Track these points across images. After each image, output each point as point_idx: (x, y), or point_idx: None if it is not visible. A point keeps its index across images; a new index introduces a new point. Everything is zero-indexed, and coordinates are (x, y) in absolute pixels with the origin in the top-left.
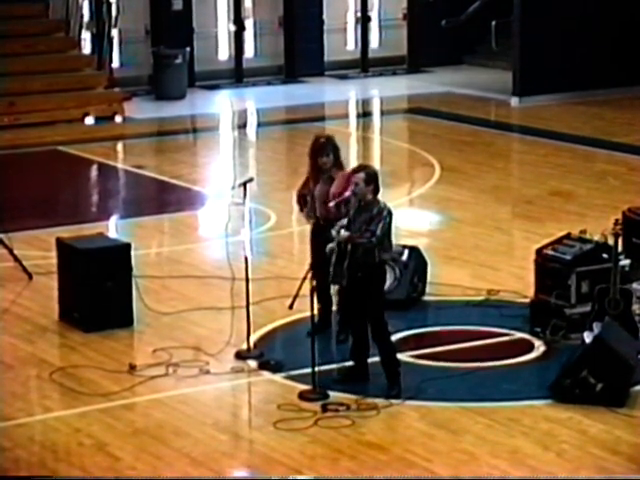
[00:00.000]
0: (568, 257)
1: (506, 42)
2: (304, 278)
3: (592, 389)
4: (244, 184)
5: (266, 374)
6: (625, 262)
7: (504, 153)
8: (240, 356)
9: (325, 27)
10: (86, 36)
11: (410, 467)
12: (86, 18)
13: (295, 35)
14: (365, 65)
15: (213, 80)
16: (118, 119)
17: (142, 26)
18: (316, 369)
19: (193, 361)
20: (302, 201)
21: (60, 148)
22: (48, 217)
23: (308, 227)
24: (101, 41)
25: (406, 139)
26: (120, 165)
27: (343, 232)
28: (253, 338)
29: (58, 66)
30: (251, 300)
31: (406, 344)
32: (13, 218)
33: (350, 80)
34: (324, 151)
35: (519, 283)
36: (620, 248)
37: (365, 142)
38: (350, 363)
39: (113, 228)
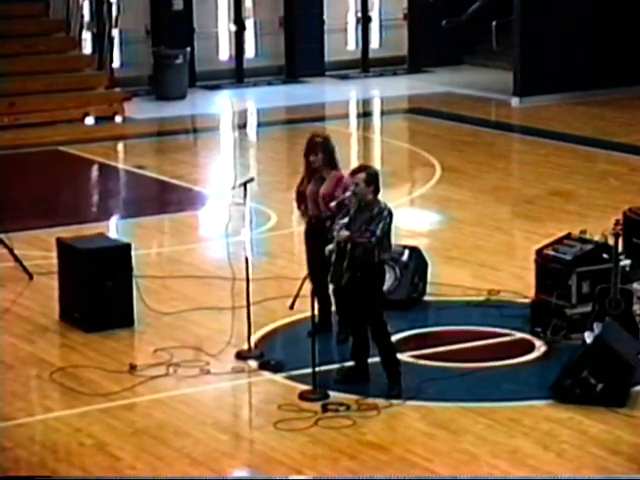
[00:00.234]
0: (569, 257)
1: (506, 42)
2: (304, 278)
3: (593, 389)
4: (244, 184)
5: (266, 374)
6: (626, 262)
7: (504, 153)
8: (241, 356)
9: (326, 27)
10: (86, 36)
11: (410, 467)
12: (86, 18)
13: (296, 35)
14: (366, 65)
15: (214, 80)
16: (118, 119)
17: (142, 26)
18: (316, 369)
19: (194, 361)
20: (299, 199)
21: (60, 148)
22: (48, 217)
23: None
24: (101, 41)
25: (407, 139)
26: (121, 165)
27: (343, 231)
28: (254, 338)
29: (58, 66)
30: (252, 300)
31: (407, 344)
32: (14, 218)
33: (351, 80)
34: (313, 150)
35: (520, 283)
36: (620, 248)
37: (366, 142)
38: (351, 363)
39: (113, 228)
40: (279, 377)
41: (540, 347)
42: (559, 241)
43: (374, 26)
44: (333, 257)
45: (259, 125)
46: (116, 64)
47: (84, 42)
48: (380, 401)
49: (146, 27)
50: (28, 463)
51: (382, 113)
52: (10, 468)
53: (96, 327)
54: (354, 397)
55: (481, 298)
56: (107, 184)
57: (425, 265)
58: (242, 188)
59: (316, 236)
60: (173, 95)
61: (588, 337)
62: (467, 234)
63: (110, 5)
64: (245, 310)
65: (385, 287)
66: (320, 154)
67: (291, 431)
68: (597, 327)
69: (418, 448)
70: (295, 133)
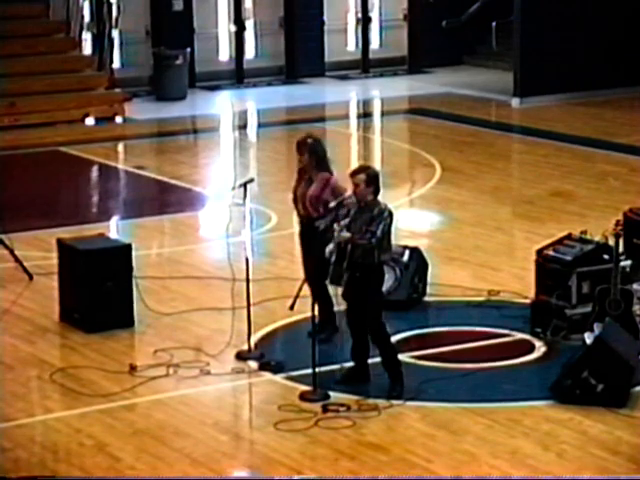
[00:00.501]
0: (569, 258)
1: (506, 43)
2: (305, 279)
3: (593, 390)
4: (244, 185)
5: (267, 375)
6: (626, 263)
7: (505, 153)
8: (241, 357)
9: (326, 28)
10: (87, 37)
11: (411, 468)
12: (87, 19)
13: (296, 36)
14: (366, 66)
15: (214, 81)
16: (119, 120)
17: (143, 27)
18: (317, 370)
19: (194, 362)
20: (294, 199)
21: (61, 149)
22: (49, 218)
23: None
24: (102, 42)
25: (407, 140)
26: (121, 166)
27: (344, 233)
28: (254, 339)
29: (59, 67)
30: (252, 301)
31: (407, 345)
32: (14, 218)
33: (351, 81)
34: (300, 150)
35: (520, 284)
36: (621, 249)
37: (366, 143)
38: (351, 363)
39: (114, 229)
40: (279, 378)
41: (540, 347)
42: (559, 241)
43: (374, 26)
44: (333, 258)
45: (259, 126)
46: (116, 65)
47: (84, 43)
48: (380, 402)
49: (146, 28)
50: (28, 464)
51: (382, 113)
52: (10, 469)
53: (96, 328)
54: (354, 398)
55: (481, 298)
56: (107, 185)
57: (425, 265)
58: (242, 189)
59: (307, 236)
60: (173, 96)
61: (588, 338)
62: (467, 234)
63: (110, 6)
64: (245, 311)
65: (385, 287)
66: (307, 155)
67: (291, 432)
68: (597, 328)
69: (418, 449)
70: (295, 134)
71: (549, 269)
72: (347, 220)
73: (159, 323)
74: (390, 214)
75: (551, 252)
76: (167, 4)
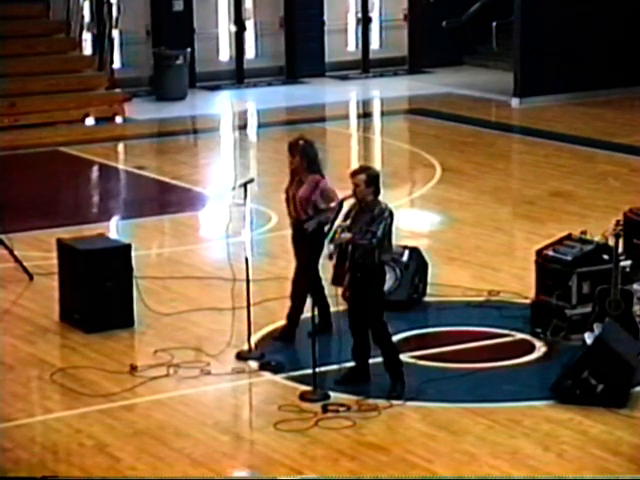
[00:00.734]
0: (569, 258)
1: (507, 43)
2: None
3: (593, 390)
4: (245, 185)
5: (267, 375)
6: (626, 263)
7: (505, 154)
8: (241, 357)
9: (326, 28)
10: (87, 37)
11: (411, 468)
12: (87, 19)
13: (296, 36)
14: (366, 66)
15: (214, 81)
16: (119, 120)
17: (143, 27)
18: (317, 370)
19: (194, 362)
20: (286, 200)
21: (61, 149)
22: (49, 218)
23: None
24: (102, 42)
25: (407, 140)
26: (121, 166)
27: (345, 234)
28: (254, 339)
29: (59, 67)
30: (252, 301)
31: (407, 345)
32: (14, 219)
33: (351, 81)
34: (291, 151)
35: (520, 284)
36: (621, 249)
37: (366, 143)
38: (351, 363)
39: (114, 229)
40: (279, 378)
41: (540, 348)
42: (559, 242)
43: (374, 27)
44: (334, 259)
45: (259, 126)
46: (116, 65)
47: (84, 43)
48: (380, 402)
49: (146, 28)
50: (28, 464)
51: (382, 114)
52: (11, 469)
53: (96, 328)
54: (354, 398)
55: (481, 299)
56: (107, 185)
57: (425, 266)
58: (242, 189)
59: (296, 238)
60: (173, 96)
61: (588, 338)
62: (467, 235)
63: (110, 6)
64: (245, 311)
65: (385, 288)
66: (297, 157)
67: (291, 432)
68: (597, 328)
69: (418, 449)
70: (295, 134)
71: (549, 269)
72: (348, 221)
73: (159, 323)
74: (391, 214)
75: (551, 252)
76: (167, 4)
